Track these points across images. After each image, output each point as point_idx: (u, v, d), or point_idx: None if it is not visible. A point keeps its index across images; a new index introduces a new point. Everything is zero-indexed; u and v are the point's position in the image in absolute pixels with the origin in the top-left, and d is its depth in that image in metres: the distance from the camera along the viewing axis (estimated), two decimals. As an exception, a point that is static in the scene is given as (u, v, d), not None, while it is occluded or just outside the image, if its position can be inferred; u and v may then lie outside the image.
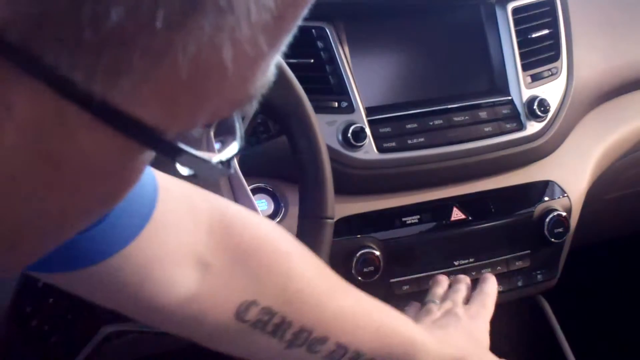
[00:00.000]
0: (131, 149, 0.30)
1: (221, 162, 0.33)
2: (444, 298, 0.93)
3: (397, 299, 1.06)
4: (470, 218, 1.10)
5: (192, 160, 0.31)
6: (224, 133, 0.35)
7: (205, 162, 0.32)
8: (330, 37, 1.02)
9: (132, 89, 0.28)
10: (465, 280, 0.98)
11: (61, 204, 0.31)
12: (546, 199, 1.15)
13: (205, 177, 0.33)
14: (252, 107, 0.33)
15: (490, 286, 0.96)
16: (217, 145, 0.70)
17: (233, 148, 0.35)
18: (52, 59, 0.26)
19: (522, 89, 1.11)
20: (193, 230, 0.60)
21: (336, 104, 1.01)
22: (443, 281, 0.99)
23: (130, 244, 0.54)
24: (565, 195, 1.16)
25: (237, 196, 0.85)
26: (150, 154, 0.33)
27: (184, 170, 0.35)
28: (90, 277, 0.54)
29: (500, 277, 1.11)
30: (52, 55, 0.26)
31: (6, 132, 0.27)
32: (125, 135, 0.29)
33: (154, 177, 0.56)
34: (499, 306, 1.16)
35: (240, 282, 0.62)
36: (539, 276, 1.15)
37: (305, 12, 0.31)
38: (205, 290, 0.60)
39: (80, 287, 0.57)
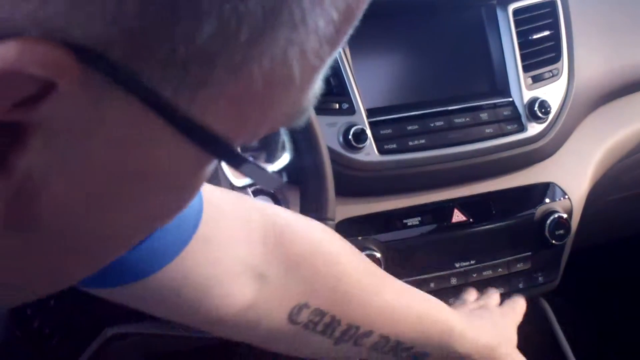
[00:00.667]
0: (202, 160, 0.32)
1: (276, 172, 0.35)
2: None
3: (398, 300, 1.06)
4: (471, 220, 1.10)
5: (252, 170, 0.32)
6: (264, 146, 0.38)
7: (264, 171, 0.33)
8: (331, 38, 1.02)
9: (210, 101, 0.29)
10: (495, 292, 1.03)
11: (135, 215, 0.33)
12: (547, 200, 1.15)
13: (263, 186, 0.34)
14: (304, 119, 0.35)
15: (520, 300, 1.00)
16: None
17: (284, 158, 0.37)
18: (146, 76, 0.27)
19: (523, 90, 1.11)
20: (247, 244, 0.62)
21: (337, 106, 1.01)
22: (473, 291, 1.03)
23: (181, 259, 0.56)
24: (567, 197, 1.16)
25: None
26: (214, 164, 0.34)
27: (238, 182, 0.37)
28: (143, 291, 0.56)
29: (501, 279, 1.12)
30: (147, 72, 0.27)
31: (97, 143, 0.28)
32: (201, 147, 0.30)
33: (200, 193, 0.57)
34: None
35: (293, 287, 0.65)
36: (540, 278, 1.15)
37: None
38: (261, 299, 0.63)
39: (135, 301, 0.59)
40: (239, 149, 0.32)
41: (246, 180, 0.38)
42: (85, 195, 0.30)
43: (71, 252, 0.33)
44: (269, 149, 0.39)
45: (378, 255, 1.02)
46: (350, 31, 0.34)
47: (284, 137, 0.39)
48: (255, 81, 0.29)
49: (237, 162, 0.32)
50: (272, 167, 0.37)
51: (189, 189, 0.34)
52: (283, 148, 0.39)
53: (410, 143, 1.05)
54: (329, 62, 0.33)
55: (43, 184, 0.28)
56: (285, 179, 0.36)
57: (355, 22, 0.34)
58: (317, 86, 0.34)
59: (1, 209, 0.28)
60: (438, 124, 1.07)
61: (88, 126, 0.28)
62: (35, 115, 0.26)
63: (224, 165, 0.38)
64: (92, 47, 0.26)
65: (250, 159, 0.32)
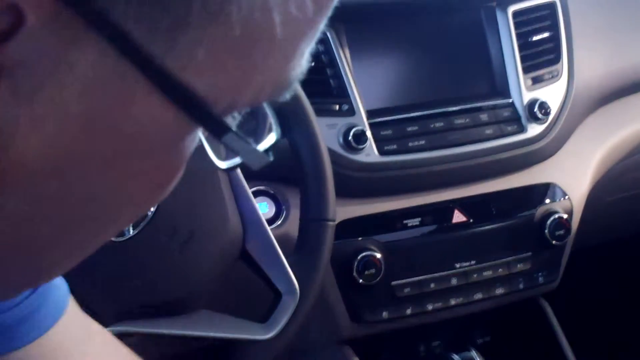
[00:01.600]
0: (181, 125, 0.30)
1: (264, 151, 0.33)
2: None
3: (399, 301, 1.06)
4: (471, 220, 1.10)
5: (236, 142, 0.31)
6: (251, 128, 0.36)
7: (248, 144, 0.32)
8: (331, 40, 1.02)
9: (187, 52, 0.28)
10: None
11: (112, 186, 0.31)
12: (547, 201, 1.15)
13: (248, 162, 0.33)
14: (289, 94, 0.34)
15: None
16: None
17: (272, 137, 0.36)
18: (116, 15, 0.26)
19: (522, 91, 1.11)
20: None
21: (337, 107, 1.02)
22: None
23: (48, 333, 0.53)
24: (567, 197, 1.16)
25: (238, 199, 0.85)
26: (195, 139, 0.33)
27: (221, 163, 0.35)
28: None
29: (501, 280, 1.12)
30: (118, 11, 0.26)
31: (68, 92, 0.27)
32: (178, 106, 0.29)
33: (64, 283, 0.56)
34: (501, 308, 1.17)
35: None
36: (540, 278, 1.15)
37: None
38: None
39: None
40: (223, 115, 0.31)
41: (231, 162, 0.37)
42: (55, 154, 0.28)
43: (37, 223, 0.31)
44: (255, 129, 0.37)
45: (378, 255, 1.02)
46: None
47: (271, 117, 0.37)
48: (234, 26, 0.28)
49: (218, 130, 0.30)
50: (262, 144, 0.35)
51: (170, 165, 0.33)
52: (270, 129, 0.37)
53: (411, 144, 1.05)
54: (315, 31, 0.32)
55: (9, 138, 0.27)
56: (271, 157, 0.34)
57: None
58: (303, 61, 0.33)
59: None
60: (438, 125, 1.07)
61: (58, 73, 0.27)
62: (1, 58, 0.26)
63: (206, 145, 0.36)
64: None
65: (233, 127, 0.31)
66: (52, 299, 0.53)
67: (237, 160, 0.35)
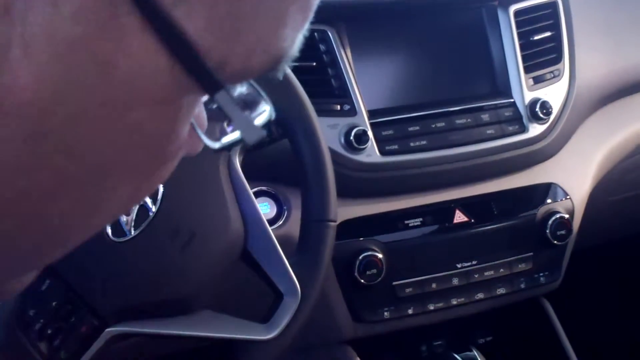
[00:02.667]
0: (176, 76, 0.30)
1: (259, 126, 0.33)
2: None
3: (400, 301, 1.06)
4: (472, 220, 1.10)
5: (229, 105, 0.31)
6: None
7: (242, 112, 0.32)
8: (332, 40, 1.02)
9: None
10: None
11: (109, 137, 0.30)
12: (549, 201, 1.15)
13: (242, 131, 0.32)
14: (280, 72, 0.33)
15: None
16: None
17: (265, 113, 0.35)
18: None
19: (524, 91, 1.11)
20: None
21: (338, 107, 1.01)
22: None
23: None
24: (568, 197, 1.16)
25: (240, 199, 0.85)
26: (193, 106, 0.32)
27: (213, 143, 0.35)
28: None
29: (503, 280, 1.12)
30: None
31: (61, 15, 0.27)
32: (169, 49, 0.29)
33: None
34: (502, 308, 1.17)
35: None
36: (541, 278, 1.15)
37: None
38: None
39: None
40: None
41: (223, 141, 0.36)
42: (48, 85, 0.28)
43: (35, 168, 0.30)
44: (249, 108, 0.36)
45: (380, 256, 1.02)
46: None
47: (264, 97, 0.37)
48: None
49: (211, 85, 0.30)
50: (258, 120, 0.35)
51: (165, 124, 0.32)
52: (263, 109, 0.36)
53: (412, 144, 1.05)
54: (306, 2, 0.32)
55: (2, 61, 0.27)
56: (265, 132, 0.33)
57: None
58: (296, 41, 0.33)
59: None
60: (439, 125, 1.07)
61: None
62: None
63: (196, 126, 0.36)
64: None
65: (227, 86, 0.31)
66: None
67: (229, 138, 0.35)
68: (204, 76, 0.30)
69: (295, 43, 0.33)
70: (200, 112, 0.35)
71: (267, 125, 0.34)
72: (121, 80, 0.29)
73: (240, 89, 0.35)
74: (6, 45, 0.27)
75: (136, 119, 0.30)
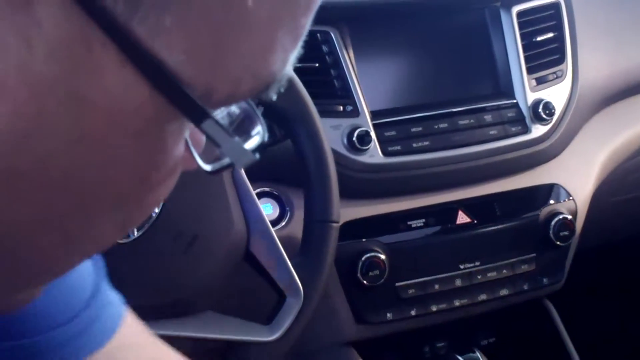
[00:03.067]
0: (158, 106, 0.29)
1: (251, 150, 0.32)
2: None
3: (403, 302, 1.06)
4: (475, 221, 1.10)
5: (217, 132, 0.30)
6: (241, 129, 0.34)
7: (231, 137, 0.31)
8: (335, 41, 1.02)
9: (154, 16, 0.27)
10: None
11: (93, 169, 0.30)
12: (552, 202, 1.15)
13: (232, 158, 0.32)
14: (271, 95, 0.33)
15: None
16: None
17: (259, 136, 0.34)
18: None
19: (527, 92, 1.11)
20: None
21: (341, 108, 1.01)
22: None
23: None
24: (571, 198, 1.16)
25: (242, 201, 0.85)
26: (180, 131, 0.31)
27: (206, 165, 0.34)
28: None
29: (505, 281, 1.12)
30: None
31: (36, 52, 0.26)
32: (149, 80, 0.28)
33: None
34: (505, 309, 1.16)
35: None
36: (544, 279, 1.15)
37: None
38: None
39: None
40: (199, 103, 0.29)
41: (216, 164, 0.35)
42: (25, 124, 0.27)
43: (18, 206, 0.29)
44: (241, 130, 0.35)
45: (382, 257, 1.02)
46: None
47: (259, 119, 0.36)
48: None
49: (196, 115, 0.29)
50: (249, 143, 0.34)
51: (149, 153, 0.31)
52: (257, 131, 0.35)
53: (415, 145, 1.05)
54: (296, 24, 0.31)
55: None
56: (257, 156, 0.32)
57: None
58: (288, 64, 0.32)
59: None
60: (442, 125, 1.07)
61: (25, 30, 0.26)
62: None
63: (192, 147, 0.35)
64: None
65: (214, 114, 0.30)
66: (106, 313, 0.52)
67: (222, 162, 0.33)
68: (188, 106, 0.29)
69: (288, 63, 0.32)
70: (195, 131, 0.34)
71: (260, 148, 0.34)
72: (100, 115, 0.28)
73: (232, 108, 0.34)
74: None
75: (117, 151, 0.30)
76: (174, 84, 0.28)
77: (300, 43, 0.32)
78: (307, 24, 0.32)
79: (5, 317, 0.41)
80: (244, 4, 0.28)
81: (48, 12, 0.26)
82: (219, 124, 0.30)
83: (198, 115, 0.30)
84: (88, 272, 0.52)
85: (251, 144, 0.33)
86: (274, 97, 0.33)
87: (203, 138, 0.35)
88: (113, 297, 0.54)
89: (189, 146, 0.34)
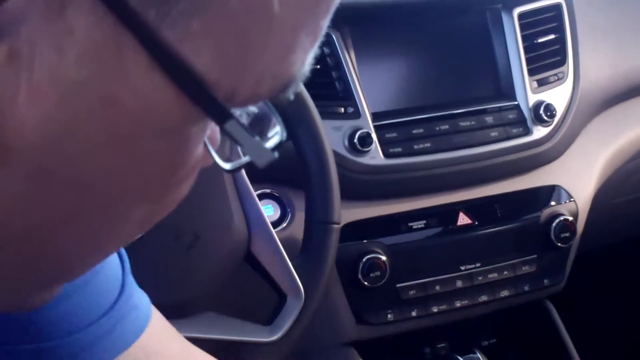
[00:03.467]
0: (185, 108, 0.30)
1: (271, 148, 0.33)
2: None
3: (404, 303, 1.06)
4: (476, 223, 1.10)
5: (239, 132, 0.31)
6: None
7: (252, 136, 0.32)
8: (336, 42, 1.02)
9: (182, 20, 0.28)
10: None
11: (119, 169, 0.30)
12: (552, 203, 1.15)
13: (252, 156, 0.32)
14: (291, 94, 0.33)
15: None
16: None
17: (276, 138, 0.35)
18: None
19: (528, 93, 1.11)
20: None
21: (342, 110, 1.02)
22: None
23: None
24: (572, 199, 1.16)
25: (243, 202, 0.85)
26: (202, 132, 0.32)
27: (226, 164, 0.35)
28: None
29: (506, 282, 1.12)
30: None
31: (67, 58, 0.27)
32: (177, 83, 0.29)
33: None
34: (506, 311, 1.17)
35: None
36: (545, 281, 1.15)
37: None
38: None
39: None
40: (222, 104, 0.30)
41: (235, 163, 0.36)
42: (56, 127, 0.28)
43: (44, 207, 0.30)
44: (259, 130, 0.36)
45: (383, 258, 1.02)
46: None
47: (276, 119, 0.37)
48: None
49: (220, 116, 0.30)
50: (269, 142, 0.35)
51: (174, 153, 0.32)
52: (275, 131, 0.36)
53: (416, 146, 1.05)
54: (316, 25, 0.31)
55: (8, 107, 0.27)
56: (276, 155, 0.33)
57: None
58: (306, 63, 0.33)
59: None
60: (443, 127, 1.07)
61: (56, 37, 0.27)
62: None
63: (209, 145, 0.36)
64: None
65: (236, 115, 0.30)
66: (133, 313, 0.53)
67: (241, 160, 0.35)
68: (213, 108, 0.30)
69: (306, 64, 0.33)
70: (213, 130, 0.35)
71: (278, 146, 0.34)
72: (128, 116, 0.29)
73: (252, 108, 0.35)
74: (14, 89, 0.27)
75: (144, 151, 0.31)
76: (200, 87, 0.29)
77: (318, 43, 0.33)
78: (325, 25, 0.32)
79: (27, 318, 0.42)
80: (270, 8, 0.29)
81: (80, 19, 0.27)
82: (241, 124, 0.31)
83: (222, 116, 0.30)
84: (115, 276, 0.53)
85: (270, 143, 0.34)
86: (292, 97, 0.34)
87: (218, 136, 0.36)
88: (139, 301, 0.55)
89: (206, 145, 0.35)
